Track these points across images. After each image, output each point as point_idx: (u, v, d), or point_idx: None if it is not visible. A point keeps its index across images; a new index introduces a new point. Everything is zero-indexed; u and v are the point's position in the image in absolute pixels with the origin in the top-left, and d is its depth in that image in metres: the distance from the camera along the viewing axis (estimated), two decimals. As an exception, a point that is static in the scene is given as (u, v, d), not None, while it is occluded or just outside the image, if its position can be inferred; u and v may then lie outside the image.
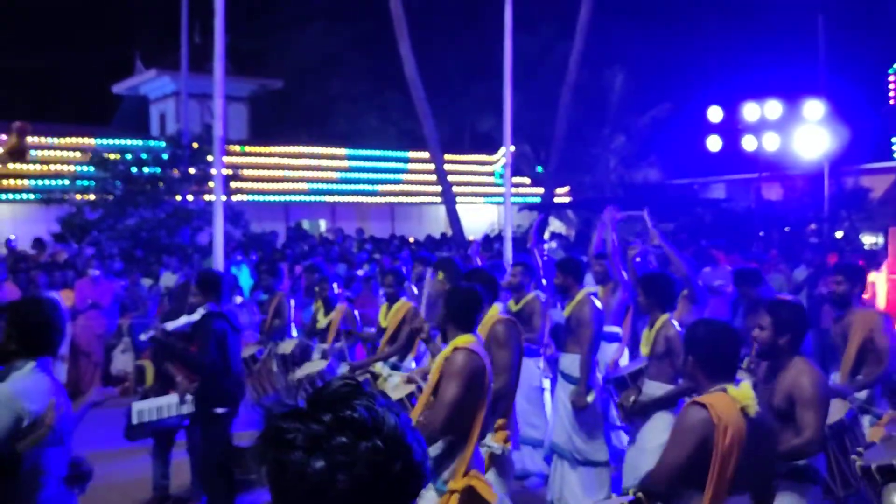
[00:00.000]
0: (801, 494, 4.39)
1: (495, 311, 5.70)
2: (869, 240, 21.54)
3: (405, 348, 7.68)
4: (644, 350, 6.23)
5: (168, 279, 13.69)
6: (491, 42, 16.63)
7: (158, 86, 27.95)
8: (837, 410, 5.22)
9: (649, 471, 3.87)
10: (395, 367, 7.65)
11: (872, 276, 11.97)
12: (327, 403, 1.33)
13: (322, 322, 8.66)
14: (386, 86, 29.45)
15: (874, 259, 13.06)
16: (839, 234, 20.42)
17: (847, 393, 5.90)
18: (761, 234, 19.40)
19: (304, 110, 31.47)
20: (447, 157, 23.85)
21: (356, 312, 8.72)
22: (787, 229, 20.21)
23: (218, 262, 9.22)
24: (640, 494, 3.70)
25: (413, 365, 7.61)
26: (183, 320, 6.42)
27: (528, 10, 18.67)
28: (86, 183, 18.46)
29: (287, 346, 8.58)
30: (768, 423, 3.81)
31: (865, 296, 11.96)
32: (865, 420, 5.89)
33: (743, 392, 3.66)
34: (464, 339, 4.56)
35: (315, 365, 7.94)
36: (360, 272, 14.28)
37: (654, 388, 6.04)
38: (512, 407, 5.58)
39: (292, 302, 10.09)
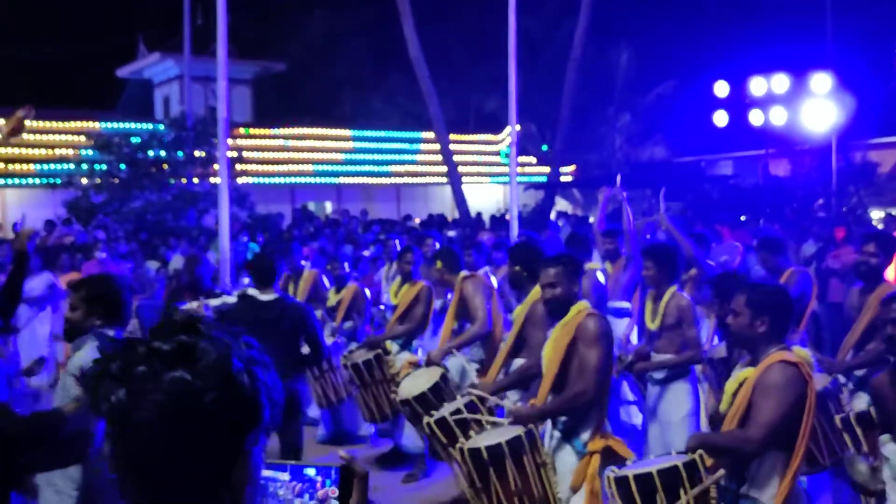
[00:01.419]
0: None
1: (538, 291, 5.43)
2: (877, 214, 21.44)
3: (417, 327, 7.66)
4: (649, 323, 6.16)
5: (177, 262, 13.69)
6: (495, 21, 16.58)
7: (162, 69, 27.90)
8: (822, 379, 5.20)
9: (729, 430, 3.80)
10: (405, 345, 7.65)
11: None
12: (151, 335, 1.31)
13: (332, 300, 8.66)
14: (390, 67, 29.31)
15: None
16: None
17: (838, 371, 5.72)
18: (767, 210, 19.34)
19: (307, 93, 31.37)
20: (453, 137, 23.75)
21: (367, 290, 8.72)
22: (794, 206, 20.12)
23: (224, 244, 9.23)
24: (701, 452, 3.69)
25: (419, 352, 7.59)
26: (218, 301, 6.41)
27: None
28: (92, 167, 18.49)
29: None
30: None
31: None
32: (863, 397, 5.59)
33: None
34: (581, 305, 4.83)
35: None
36: (366, 253, 14.28)
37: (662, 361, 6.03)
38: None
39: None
